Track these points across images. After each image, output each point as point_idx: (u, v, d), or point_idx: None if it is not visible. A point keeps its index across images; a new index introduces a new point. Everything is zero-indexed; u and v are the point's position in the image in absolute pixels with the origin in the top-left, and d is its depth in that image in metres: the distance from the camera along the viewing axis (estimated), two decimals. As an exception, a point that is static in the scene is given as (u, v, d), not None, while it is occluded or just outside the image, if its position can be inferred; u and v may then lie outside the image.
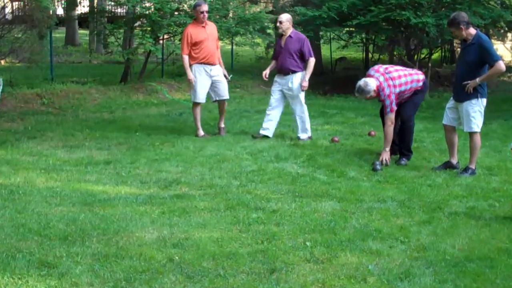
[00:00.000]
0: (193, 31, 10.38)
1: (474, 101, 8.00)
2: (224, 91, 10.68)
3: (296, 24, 18.56)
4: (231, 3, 17.43)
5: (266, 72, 10.56)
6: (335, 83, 19.44)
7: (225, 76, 10.70)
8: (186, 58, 10.38)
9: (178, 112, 13.09)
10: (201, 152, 9.13)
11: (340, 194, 7.00)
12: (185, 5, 16.23)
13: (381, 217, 6.23)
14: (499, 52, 24.43)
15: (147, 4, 15.49)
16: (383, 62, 20.58)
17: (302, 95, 10.36)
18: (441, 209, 6.55)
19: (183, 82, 16.50)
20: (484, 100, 8.10)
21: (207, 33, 10.42)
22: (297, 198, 6.83)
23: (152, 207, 6.39)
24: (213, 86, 10.57)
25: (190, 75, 10.30)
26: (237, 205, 6.47)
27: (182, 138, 10.16)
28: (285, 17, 10.34)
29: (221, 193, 6.96)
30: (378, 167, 8.25)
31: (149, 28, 15.47)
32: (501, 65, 7.81)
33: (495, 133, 11.20)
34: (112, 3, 18.41)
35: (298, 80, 10.25)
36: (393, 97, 8.49)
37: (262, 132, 10.41)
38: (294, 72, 10.25)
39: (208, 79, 10.48)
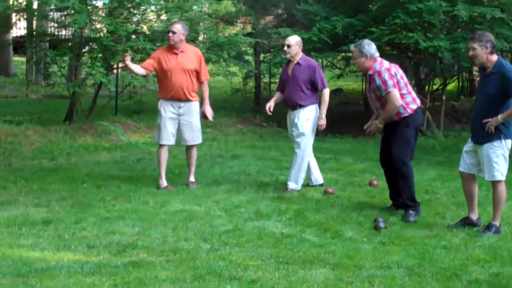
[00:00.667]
0: (162, 55, 10.56)
1: (496, 143, 8.07)
2: (192, 135, 10.71)
3: (279, 50, 18.79)
4: (201, 24, 17.60)
5: (270, 105, 10.70)
6: (328, 120, 19.51)
7: (205, 115, 10.74)
8: (138, 66, 10.82)
9: (136, 158, 13.10)
10: (163, 209, 9.12)
11: (334, 260, 6.99)
12: (144, 27, 16.37)
13: (385, 287, 6.22)
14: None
15: (98, 26, 15.60)
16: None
17: (309, 137, 10.46)
18: (459, 276, 6.55)
19: (141, 121, 16.54)
20: (509, 142, 8.16)
21: (178, 61, 10.46)
22: (281, 265, 6.80)
23: (101, 278, 6.33)
24: (180, 127, 10.63)
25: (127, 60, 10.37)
26: (207, 274, 6.44)
27: (140, 191, 10.15)
28: (294, 40, 10.45)
29: (187, 259, 6.92)
30: (382, 224, 8.28)
31: (100, 55, 15.55)
32: (528, 99, 7.93)
33: (524, 181, 11.28)
34: (55, 25, 18.50)
35: (306, 116, 10.36)
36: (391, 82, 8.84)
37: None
38: (302, 106, 10.36)
39: (175, 118, 10.57)
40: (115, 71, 17.05)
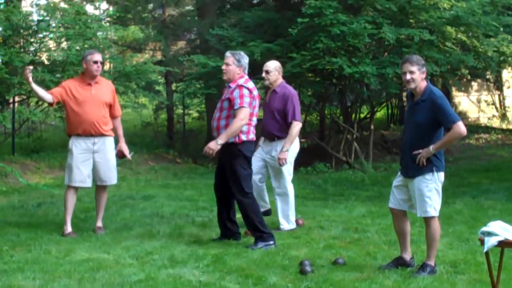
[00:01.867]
0: (73, 85, 10.52)
1: (428, 176, 8.19)
2: (109, 174, 10.64)
3: (193, 79, 18.81)
4: (106, 52, 17.53)
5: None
6: (249, 154, 19.63)
7: (122, 154, 10.69)
8: (46, 92, 10.73)
9: (36, 203, 12.93)
10: (68, 258, 8.99)
11: (256, 309, 7.01)
12: (43, 56, 16.23)
13: (313, 338, 6.26)
14: (462, 107, 25.54)
15: (-9, 57, 15.43)
16: (312, 125, 21.08)
17: (287, 168, 10.54)
18: (392, 323, 6.64)
19: (41, 161, 16.35)
20: (442, 174, 8.30)
21: (92, 93, 10.42)
22: (199, 317, 6.80)
23: None
24: (95, 165, 10.54)
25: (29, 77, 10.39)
26: (117, 330, 6.41)
27: (41, 239, 9.99)
28: (273, 65, 10.67)
29: (95, 314, 6.87)
30: (308, 268, 8.30)
31: (-7, 89, 15.37)
32: (461, 128, 8.03)
33: (460, 215, 11.48)
34: None
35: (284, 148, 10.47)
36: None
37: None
38: (279, 138, 10.50)
39: (88, 155, 10.49)
40: (11, 105, 16.84)
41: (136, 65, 17.07)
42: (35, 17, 16.44)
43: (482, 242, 6.47)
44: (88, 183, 10.58)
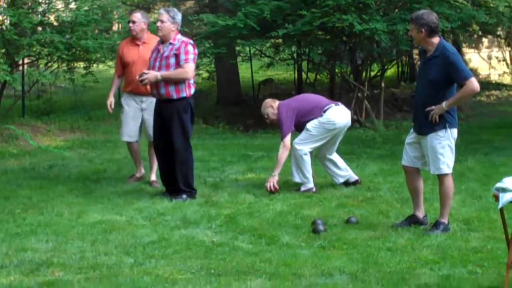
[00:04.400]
0: (124, 48, 11.08)
1: (441, 133, 8.17)
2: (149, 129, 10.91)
3: (202, 38, 18.74)
4: (114, 12, 17.47)
5: None
6: (259, 115, 19.55)
7: None
8: (115, 78, 11.28)
9: (47, 165, 12.93)
10: (80, 220, 9.03)
11: (271, 269, 7.02)
12: (52, 17, 16.17)
13: (327, 297, 6.26)
14: (473, 64, 25.42)
15: (-1, 18, 15.39)
16: (322, 83, 21.01)
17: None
18: (406, 281, 6.63)
19: (52, 123, 16.35)
20: (455, 131, 8.28)
21: (139, 54, 10.82)
22: (213, 277, 6.81)
23: (13, 301, 6.27)
24: (144, 122, 11.01)
25: (109, 99, 10.74)
26: (131, 291, 6.42)
27: (53, 202, 10.02)
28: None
29: (108, 276, 6.88)
30: (321, 227, 8.32)
31: (2, 51, 15.33)
32: (474, 84, 8.00)
33: (472, 172, 11.47)
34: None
35: None
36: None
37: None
38: None
39: (137, 113, 10.96)
40: (20, 67, 16.83)
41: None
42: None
43: (496, 198, 6.40)
44: (135, 138, 11.13)
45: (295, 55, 20.05)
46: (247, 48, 20.56)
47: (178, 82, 9.79)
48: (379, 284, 6.56)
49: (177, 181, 10.02)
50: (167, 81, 9.76)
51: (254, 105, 21.19)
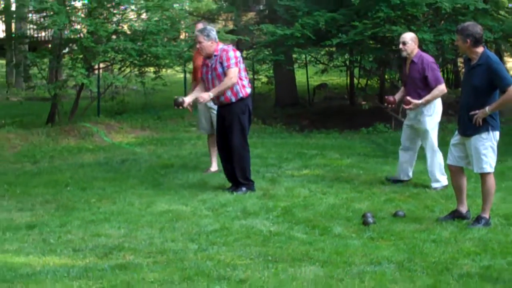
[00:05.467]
0: (196, 55, 11.40)
1: (484, 135, 8.09)
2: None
3: (262, 46, 18.81)
4: (182, 22, 17.57)
5: (394, 98, 10.59)
6: (314, 116, 19.54)
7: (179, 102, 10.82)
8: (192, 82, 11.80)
9: (120, 160, 13.02)
10: (149, 209, 9.09)
11: (323, 257, 6.98)
12: (125, 26, 16.34)
13: (376, 283, 6.20)
14: (513, 72, 25.01)
15: (77, 26, 15.54)
16: (373, 88, 20.90)
17: (434, 132, 10.39)
18: (450, 270, 6.56)
19: (124, 122, 16.48)
20: (497, 133, 8.20)
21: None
22: (270, 263, 6.79)
23: (88, 281, 6.29)
24: (212, 118, 11.28)
25: (188, 99, 10.60)
26: (195, 275, 6.41)
27: (125, 193, 10.11)
28: (409, 36, 10.43)
29: (175, 260, 6.89)
30: (371, 220, 8.27)
31: (80, 56, 15.51)
32: (515, 90, 7.93)
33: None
34: (34, 27, 18.45)
35: (429, 112, 10.27)
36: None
37: (401, 177, 10.69)
38: (423, 105, 10.23)
39: (206, 110, 11.42)
40: (96, 71, 17.00)
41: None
42: (117, -10, 16.53)
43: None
44: (207, 131, 11.60)
45: (347, 62, 19.99)
46: (303, 56, 20.52)
47: (232, 86, 9.86)
48: (424, 273, 6.49)
49: (236, 175, 10.07)
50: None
51: (310, 108, 21.23)
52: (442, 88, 10.16)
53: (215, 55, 9.85)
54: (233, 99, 9.91)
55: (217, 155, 11.23)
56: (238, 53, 10.07)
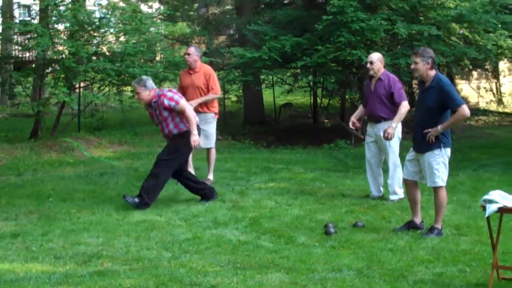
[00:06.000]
0: (182, 76, 11.73)
1: (436, 151, 8.14)
2: (203, 139, 11.12)
3: (232, 68, 18.85)
4: (157, 45, 17.56)
5: (353, 121, 10.54)
6: (280, 133, 19.58)
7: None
8: None
9: (99, 173, 12.92)
10: (126, 219, 9.04)
11: (288, 264, 6.99)
12: (104, 48, 16.27)
13: (337, 289, 6.23)
14: (464, 93, 25.29)
15: (60, 48, 15.47)
16: (334, 108, 20.99)
17: (396, 147, 10.39)
18: (405, 277, 6.59)
19: (103, 137, 16.40)
20: (448, 150, 8.26)
21: (191, 80, 11.40)
22: (239, 270, 6.79)
23: (68, 287, 6.26)
24: (205, 133, 11.29)
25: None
26: (169, 281, 6.39)
27: (103, 204, 10.03)
28: (376, 56, 10.44)
29: (150, 267, 6.87)
30: (332, 230, 8.29)
31: (62, 75, 15.43)
32: (465, 110, 7.99)
33: (463, 185, 11.41)
34: (19, 48, 18.34)
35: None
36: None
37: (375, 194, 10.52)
38: (385, 119, 10.24)
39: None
40: (77, 90, 16.91)
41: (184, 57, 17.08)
42: (97, 14, 16.50)
43: (484, 208, 6.41)
44: (204, 145, 11.30)
45: (311, 83, 20.08)
46: (270, 77, 20.57)
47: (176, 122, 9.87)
48: (381, 279, 6.53)
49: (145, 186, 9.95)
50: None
51: (276, 125, 21.27)
52: (406, 104, 10.20)
53: (154, 102, 9.71)
54: (175, 132, 9.80)
55: (214, 166, 11.74)
56: (174, 90, 10.14)
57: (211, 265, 6.96)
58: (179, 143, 9.74)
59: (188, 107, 9.72)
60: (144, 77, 10.04)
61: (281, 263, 7.02)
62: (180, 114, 9.65)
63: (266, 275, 6.63)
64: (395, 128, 8.97)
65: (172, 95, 9.69)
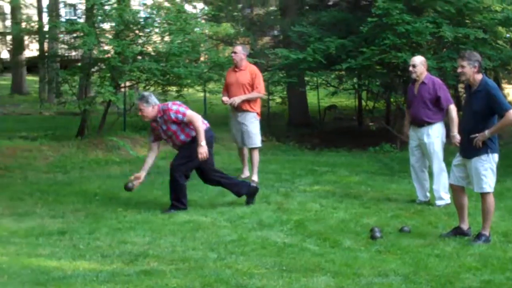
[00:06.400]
0: (228, 74, 12.16)
1: (484, 157, 8.08)
2: (246, 139, 11.81)
3: (277, 69, 18.87)
4: (202, 45, 17.63)
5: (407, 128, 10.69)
6: (324, 135, 19.54)
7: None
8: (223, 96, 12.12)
9: (144, 172, 13.04)
10: (172, 219, 9.09)
11: (334, 268, 6.98)
12: (150, 48, 16.38)
13: (383, 294, 6.21)
14: (511, 98, 24.97)
15: (106, 47, 15.61)
16: (380, 111, 20.89)
17: (440, 153, 10.35)
18: (452, 284, 6.54)
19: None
20: (496, 155, 8.18)
21: (235, 78, 11.74)
22: (284, 273, 6.79)
23: (115, 285, 6.32)
24: (241, 133, 11.79)
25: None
26: (215, 282, 6.42)
27: (149, 203, 10.13)
28: (419, 60, 10.45)
29: (196, 268, 6.91)
30: (378, 234, 8.26)
31: (108, 75, 15.56)
32: (512, 115, 7.93)
33: (510, 192, 11.27)
34: (65, 46, 18.53)
35: (435, 133, 10.26)
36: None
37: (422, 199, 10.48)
38: (429, 123, 10.25)
39: (236, 124, 11.87)
40: (122, 89, 17.05)
41: (228, 57, 17.10)
42: (142, 14, 16.61)
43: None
44: (239, 143, 12.05)
45: (356, 85, 19.98)
46: (315, 78, 20.55)
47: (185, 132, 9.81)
48: (428, 285, 6.48)
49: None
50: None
51: (320, 127, 21.24)
52: (453, 107, 10.18)
53: (159, 117, 9.64)
54: (188, 140, 9.73)
55: (248, 163, 12.08)
56: (177, 102, 10.12)
57: (256, 267, 6.97)
58: (191, 148, 9.64)
59: (196, 117, 9.61)
60: (145, 93, 10.08)
61: (327, 267, 7.00)
62: (188, 123, 9.61)
63: (312, 278, 6.63)
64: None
65: (177, 108, 9.65)
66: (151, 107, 9.59)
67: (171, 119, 9.56)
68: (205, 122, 9.83)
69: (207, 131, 9.70)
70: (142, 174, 9.85)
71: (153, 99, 9.69)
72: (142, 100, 9.66)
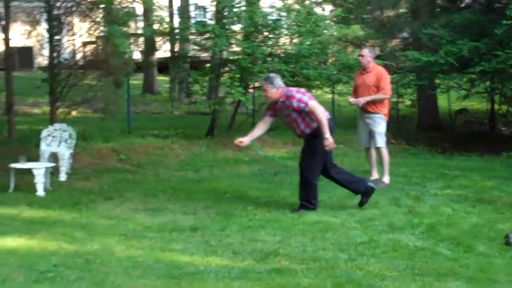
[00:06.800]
0: (356, 76, 12.34)
1: None
2: (371, 139, 11.97)
3: (407, 71, 18.67)
4: (330, 47, 17.62)
5: None
6: (455, 139, 19.16)
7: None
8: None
9: (273, 172, 13.16)
10: (301, 219, 9.11)
11: (468, 273, 6.82)
12: (279, 50, 16.50)
13: (521, 302, 6.04)
14: None
15: (236, 49, 15.82)
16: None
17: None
18: None
19: (277, 137, 16.62)
20: None
21: (362, 80, 11.87)
22: (416, 276, 6.69)
23: (247, 282, 6.37)
24: (370, 131, 11.93)
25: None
26: (346, 283, 6.40)
27: (278, 203, 10.19)
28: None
29: (326, 268, 6.89)
30: (513, 240, 8.04)
31: (238, 76, 15.76)
32: None
33: None
34: (196, 48, 18.89)
35: None
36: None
37: None
38: None
39: (365, 124, 11.97)
40: (251, 90, 17.23)
41: (357, 59, 17.02)
42: (272, 16, 16.74)
43: None
44: (364, 144, 12.30)
45: (489, 89, 19.53)
46: (446, 81, 20.20)
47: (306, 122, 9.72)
48: None
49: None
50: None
51: (451, 131, 20.84)
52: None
53: (281, 101, 9.55)
54: (308, 131, 9.67)
55: (377, 165, 12.09)
56: (302, 90, 10.17)
57: (388, 270, 6.89)
58: (315, 144, 9.58)
59: (319, 109, 9.43)
60: (271, 74, 10.00)
61: (461, 272, 6.85)
62: (310, 113, 9.49)
63: (445, 283, 6.50)
64: None
65: (300, 96, 9.51)
66: (275, 89, 9.58)
67: (292, 106, 9.49)
68: (326, 112, 9.71)
69: (328, 122, 9.62)
70: (246, 139, 9.92)
71: (278, 81, 9.64)
72: (267, 81, 9.67)
